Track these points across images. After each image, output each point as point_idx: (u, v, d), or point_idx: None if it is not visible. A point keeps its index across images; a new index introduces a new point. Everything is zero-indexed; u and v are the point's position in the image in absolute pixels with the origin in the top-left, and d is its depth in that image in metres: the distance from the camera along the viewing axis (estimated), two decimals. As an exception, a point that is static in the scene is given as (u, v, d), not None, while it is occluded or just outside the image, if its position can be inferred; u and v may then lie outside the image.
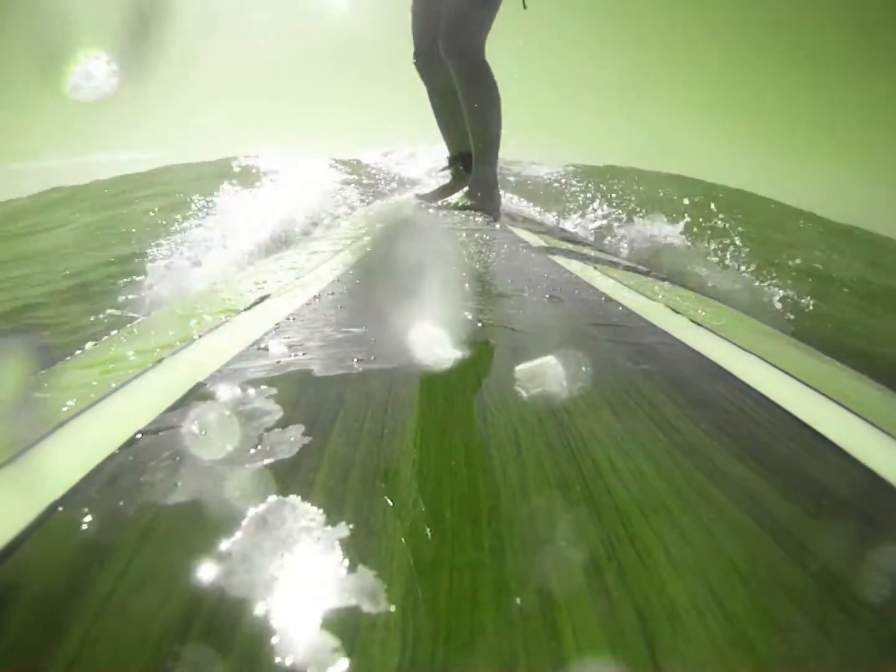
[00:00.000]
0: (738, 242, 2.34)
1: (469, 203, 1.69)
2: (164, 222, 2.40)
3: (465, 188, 1.78)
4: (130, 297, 1.65)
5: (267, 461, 0.25)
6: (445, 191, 1.91)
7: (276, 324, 0.49)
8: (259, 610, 0.17)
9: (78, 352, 0.52)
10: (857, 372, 0.46)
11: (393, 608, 0.17)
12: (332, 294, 0.61)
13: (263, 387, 0.34)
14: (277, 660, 0.16)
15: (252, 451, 0.26)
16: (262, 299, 0.60)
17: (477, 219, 1.48)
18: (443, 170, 2.10)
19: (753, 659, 0.16)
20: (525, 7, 1.68)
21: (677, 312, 0.56)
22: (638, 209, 2.67)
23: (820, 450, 0.28)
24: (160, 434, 0.28)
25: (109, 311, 1.52)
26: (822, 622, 0.17)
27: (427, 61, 1.79)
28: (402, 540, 0.20)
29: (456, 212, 1.56)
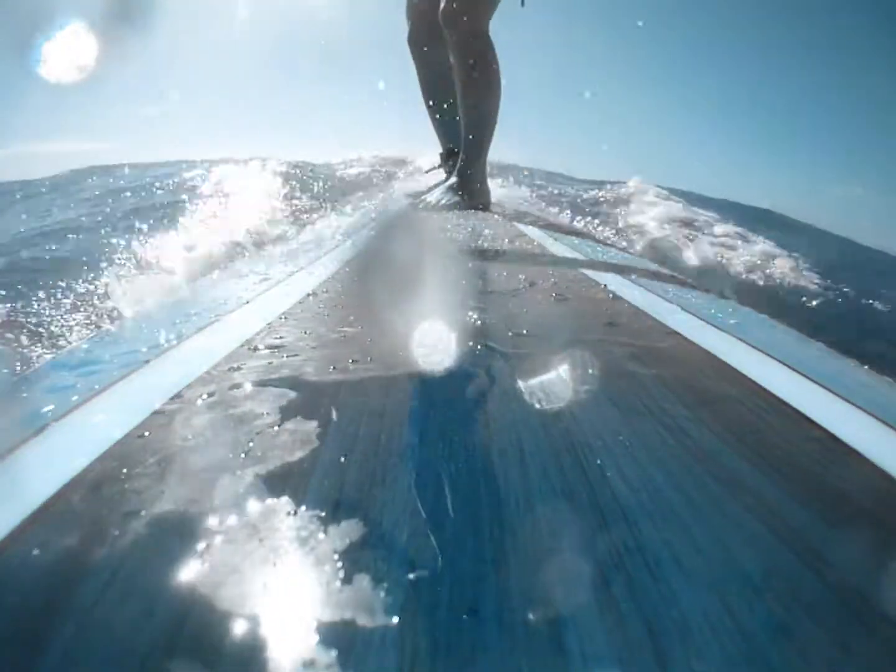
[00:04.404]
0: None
1: (459, 199, 1.60)
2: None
3: (452, 181, 1.67)
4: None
5: (258, 466, 0.25)
6: (436, 189, 1.80)
7: (268, 323, 0.49)
8: (249, 623, 0.17)
9: (60, 352, 0.52)
10: (877, 374, 0.46)
11: (390, 622, 0.17)
12: (327, 292, 0.61)
13: (255, 389, 0.34)
14: (268, 677, 0.16)
15: (243, 455, 0.26)
16: (253, 297, 0.59)
17: (476, 214, 1.48)
18: (433, 168, 2.04)
19: (769, 676, 0.16)
20: (523, 5, 1.61)
21: (688, 311, 0.56)
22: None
23: (838, 455, 0.28)
24: (146, 438, 0.28)
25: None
26: (841, 637, 0.17)
27: (422, 40, 1.70)
28: (400, 550, 0.20)
29: (449, 208, 1.54)
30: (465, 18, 1.49)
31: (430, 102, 1.86)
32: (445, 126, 1.84)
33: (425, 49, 1.74)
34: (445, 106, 1.73)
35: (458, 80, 1.56)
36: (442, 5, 1.50)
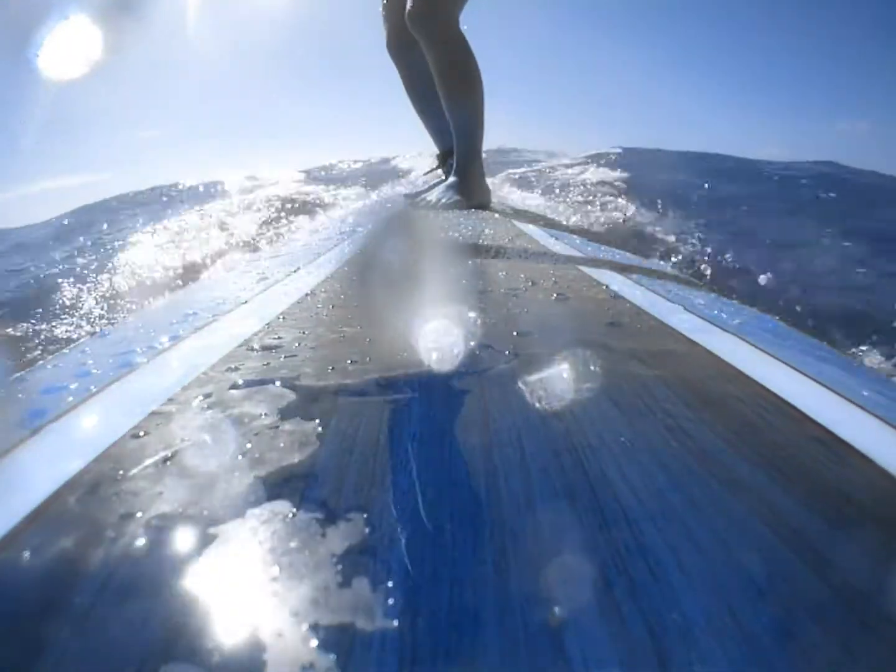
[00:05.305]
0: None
1: (457, 199, 1.57)
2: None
3: (451, 181, 1.64)
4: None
5: (256, 468, 0.25)
6: (435, 189, 1.76)
7: (267, 323, 0.49)
8: (247, 627, 0.17)
9: (56, 353, 0.52)
10: (883, 375, 0.46)
11: (389, 626, 0.17)
12: (325, 292, 0.61)
13: (253, 389, 0.34)
14: (266, 681, 0.15)
15: (240, 456, 0.26)
16: (251, 297, 0.60)
17: (476, 213, 1.48)
18: (431, 170, 2.02)
19: (773, 680, 0.16)
20: None
21: (691, 311, 0.56)
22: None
23: (844, 457, 0.28)
24: (143, 439, 0.28)
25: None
26: (846, 641, 0.17)
27: (401, 45, 1.67)
28: (400, 553, 0.20)
29: (449, 207, 1.54)
30: (432, 18, 1.45)
31: (419, 106, 1.82)
32: (437, 127, 1.81)
33: (405, 54, 1.71)
34: (435, 107, 1.70)
35: (438, 82, 1.52)
36: (407, 7, 1.45)
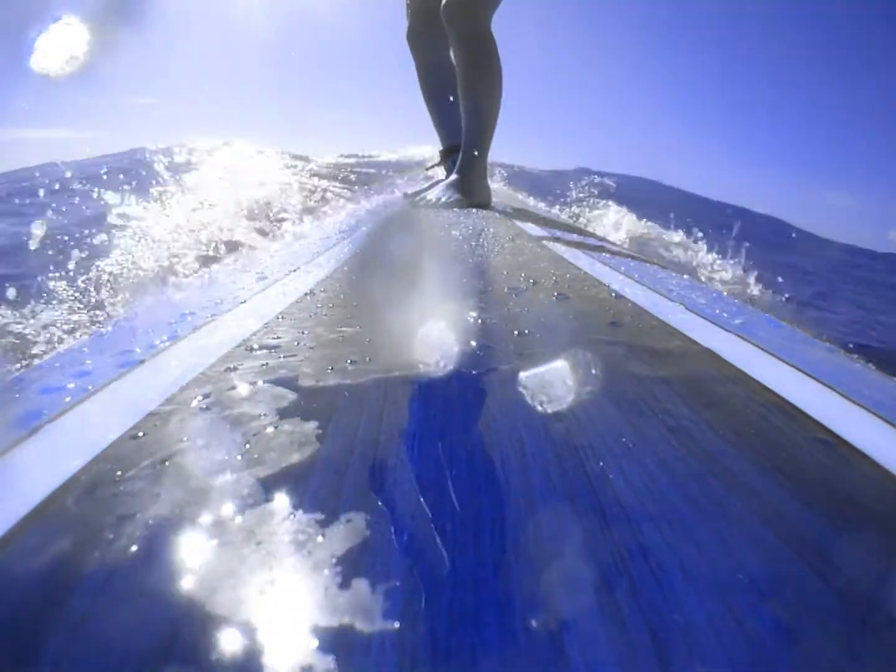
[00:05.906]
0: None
1: (458, 198, 1.56)
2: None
3: (452, 179, 1.63)
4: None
5: (255, 468, 0.25)
6: (436, 187, 1.73)
7: (266, 323, 0.49)
8: (246, 629, 0.17)
9: (54, 352, 0.52)
10: (886, 375, 0.46)
11: (389, 627, 0.17)
12: (325, 291, 0.61)
13: (252, 389, 0.34)
14: (265, 683, 0.15)
15: (239, 457, 0.26)
16: (250, 297, 0.59)
17: (476, 212, 1.48)
18: (433, 166, 2.02)
19: (775, 682, 0.16)
20: None
21: (692, 311, 0.56)
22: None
23: (846, 458, 0.28)
24: (141, 440, 0.28)
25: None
26: (849, 643, 0.17)
27: (422, 35, 1.71)
28: (399, 554, 0.20)
29: (449, 206, 1.53)
30: (466, 15, 1.48)
31: (430, 99, 1.85)
32: (446, 123, 1.83)
33: (424, 45, 1.73)
34: (446, 102, 1.72)
35: (460, 78, 1.55)
36: (443, 1, 1.49)
